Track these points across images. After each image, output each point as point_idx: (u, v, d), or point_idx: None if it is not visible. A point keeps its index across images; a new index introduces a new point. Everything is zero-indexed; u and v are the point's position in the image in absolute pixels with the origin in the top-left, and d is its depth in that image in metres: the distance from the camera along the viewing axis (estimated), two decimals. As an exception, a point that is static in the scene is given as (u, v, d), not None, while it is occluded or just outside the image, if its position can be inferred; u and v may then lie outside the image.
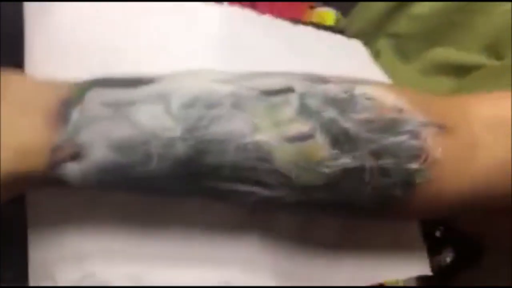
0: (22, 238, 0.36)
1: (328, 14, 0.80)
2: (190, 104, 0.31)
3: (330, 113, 0.32)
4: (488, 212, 0.41)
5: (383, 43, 0.58)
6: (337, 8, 0.80)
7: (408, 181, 0.33)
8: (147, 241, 0.37)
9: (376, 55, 0.57)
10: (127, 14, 0.42)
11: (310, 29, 0.49)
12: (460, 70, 0.51)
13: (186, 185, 0.32)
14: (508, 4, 0.49)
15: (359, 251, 0.41)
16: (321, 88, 0.33)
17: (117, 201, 0.37)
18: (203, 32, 0.43)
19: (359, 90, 0.34)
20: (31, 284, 0.36)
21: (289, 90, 0.33)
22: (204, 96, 0.32)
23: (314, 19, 0.78)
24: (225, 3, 0.45)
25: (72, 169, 0.30)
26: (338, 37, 0.51)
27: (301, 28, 0.49)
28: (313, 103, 0.32)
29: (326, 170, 0.32)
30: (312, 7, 0.80)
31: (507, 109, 0.36)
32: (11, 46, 0.38)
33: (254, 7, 0.75)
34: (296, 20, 0.50)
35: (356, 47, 0.51)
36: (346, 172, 0.32)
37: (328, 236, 0.40)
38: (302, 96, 0.32)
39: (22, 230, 0.36)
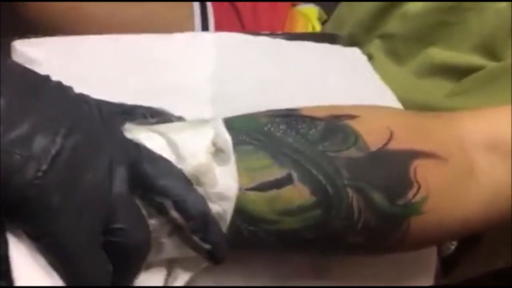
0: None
1: (311, 10, 0.79)
2: None
3: (309, 153, 0.32)
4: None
5: (375, 46, 0.57)
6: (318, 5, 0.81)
7: (400, 216, 0.33)
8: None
9: (369, 58, 0.54)
10: (122, 45, 0.42)
11: (307, 44, 0.48)
12: (456, 71, 0.50)
13: None
14: (502, 3, 0.48)
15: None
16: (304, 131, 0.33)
17: None
18: (199, 60, 0.43)
19: (344, 123, 0.33)
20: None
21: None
22: None
23: (299, 17, 0.78)
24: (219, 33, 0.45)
25: None
26: (336, 48, 0.50)
27: (297, 44, 0.48)
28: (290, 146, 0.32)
29: (308, 215, 0.31)
30: (294, 5, 0.80)
31: (504, 128, 0.36)
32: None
33: (236, 9, 0.75)
34: (293, 34, 0.50)
35: (354, 56, 0.50)
36: (333, 212, 0.31)
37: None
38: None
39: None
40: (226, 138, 0.31)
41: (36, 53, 0.39)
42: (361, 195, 0.31)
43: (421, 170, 0.33)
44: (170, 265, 0.32)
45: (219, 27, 0.70)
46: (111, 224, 0.27)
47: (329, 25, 0.67)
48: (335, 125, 0.33)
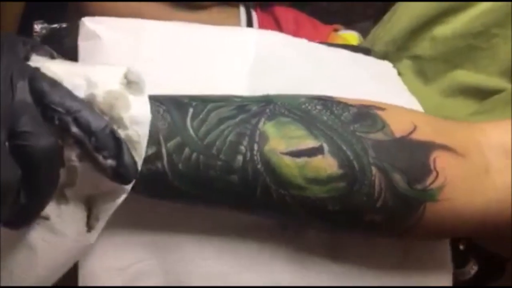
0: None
1: (352, 36, 0.83)
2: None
3: (341, 131, 0.34)
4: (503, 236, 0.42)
5: (405, 65, 0.59)
6: (358, 31, 0.84)
7: (417, 200, 0.34)
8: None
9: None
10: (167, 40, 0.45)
11: (343, 52, 0.51)
12: (480, 93, 0.53)
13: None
14: (529, 31, 0.50)
15: (386, 267, 0.42)
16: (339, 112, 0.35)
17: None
18: (239, 53, 0.46)
19: (374, 112, 0.36)
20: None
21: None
22: None
23: (339, 41, 0.82)
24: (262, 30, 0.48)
25: None
26: (370, 59, 0.53)
27: (334, 50, 0.51)
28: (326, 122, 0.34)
29: (333, 186, 0.33)
30: (336, 30, 0.84)
31: None
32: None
33: (280, 29, 0.80)
34: (330, 43, 0.53)
35: (386, 69, 0.53)
36: (356, 186, 0.33)
37: (354, 253, 0.41)
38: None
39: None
40: (138, 72, 0.32)
41: (100, 29, 0.42)
42: (383, 174, 0.34)
43: (440, 160, 0.35)
44: (89, 203, 0.32)
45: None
46: (16, 128, 0.27)
47: (364, 44, 0.70)
48: (365, 112, 0.36)
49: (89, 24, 0.43)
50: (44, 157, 0.27)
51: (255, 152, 0.33)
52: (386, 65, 0.54)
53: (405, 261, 0.42)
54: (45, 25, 0.46)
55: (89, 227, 0.32)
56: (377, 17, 0.73)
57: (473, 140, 0.38)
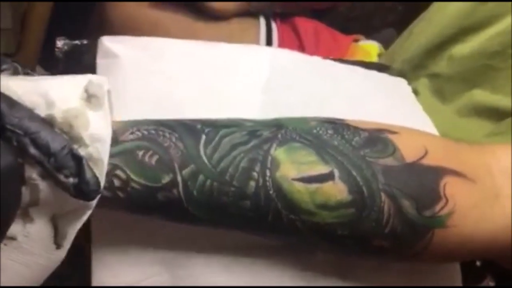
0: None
1: (372, 47, 0.83)
2: None
3: (351, 156, 0.34)
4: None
5: (422, 83, 0.59)
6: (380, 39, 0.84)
7: (425, 226, 0.34)
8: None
9: (414, 94, 0.57)
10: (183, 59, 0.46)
11: (356, 69, 0.52)
12: (496, 114, 0.53)
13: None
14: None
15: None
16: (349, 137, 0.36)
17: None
18: (254, 70, 0.47)
19: (385, 136, 0.36)
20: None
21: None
22: None
23: (359, 52, 0.82)
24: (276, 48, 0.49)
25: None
26: (383, 76, 0.53)
27: (348, 67, 0.52)
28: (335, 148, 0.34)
29: (343, 212, 0.34)
30: (356, 40, 0.84)
31: None
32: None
33: (300, 39, 0.80)
34: (344, 59, 0.54)
35: (400, 86, 0.54)
36: (365, 212, 0.34)
37: (362, 274, 0.41)
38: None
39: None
40: (101, 83, 0.32)
41: (119, 48, 0.44)
42: (392, 201, 0.34)
43: (450, 187, 0.35)
44: (55, 221, 0.32)
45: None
46: None
47: (382, 60, 0.71)
48: (376, 136, 0.36)
49: (108, 43, 0.45)
50: (3, 176, 0.28)
51: (267, 178, 0.34)
52: (401, 82, 0.55)
53: (413, 280, 0.42)
54: (67, 41, 0.47)
55: (57, 244, 0.32)
56: (398, 24, 0.73)
57: (484, 164, 0.37)
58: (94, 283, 0.38)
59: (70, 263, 0.34)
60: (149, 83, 0.44)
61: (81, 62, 0.45)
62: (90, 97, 0.31)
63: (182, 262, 0.39)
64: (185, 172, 0.33)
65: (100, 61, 0.44)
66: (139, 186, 0.33)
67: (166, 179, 0.33)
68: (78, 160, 0.30)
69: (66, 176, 0.29)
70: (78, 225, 0.32)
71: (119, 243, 0.39)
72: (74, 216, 0.32)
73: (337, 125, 0.36)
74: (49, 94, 0.30)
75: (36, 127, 0.29)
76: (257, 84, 0.46)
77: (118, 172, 0.33)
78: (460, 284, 0.43)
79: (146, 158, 0.33)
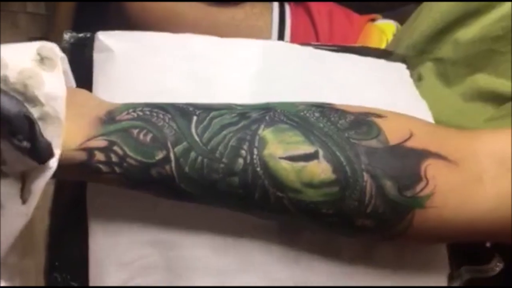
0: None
1: (389, 26, 0.82)
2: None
3: (336, 138, 0.36)
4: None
5: (427, 68, 0.59)
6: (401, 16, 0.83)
7: (405, 207, 0.35)
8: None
9: (419, 78, 0.58)
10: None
11: (350, 57, 0.52)
12: (499, 98, 0.52)
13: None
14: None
15: (380, 267, 0.43)
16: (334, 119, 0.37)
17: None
18: (245, 61, 0.48)
19: (371, 119, 0.37)
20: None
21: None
22: None
23: (374, 32, 0.81)
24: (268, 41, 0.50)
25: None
26: (379, 62, 0.54)
27: (341, 56, 0.52)
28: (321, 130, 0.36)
29: (327, 190, 0.35)
30: (373, 20, 0.83)
31: None
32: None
33: (313, 21, 0.80)
34: (344, 46, 0.54)
35: (397, 71, 0.54)
36: (348, 192, 0.35)
37: (349, 252, 0.43)
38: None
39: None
40: (52, 46, 0.33)
41: (113, 43, 0.46)
42: (375, 181, 0.35)
43: (432, 169, 0.36)
44: (23, 177, 0.33)
45: (294, 38, 0.77)
46: None
47: (390, 45, 0.70)
48: (362, 119, 0.37)
49: (102, 37, 0.47)
50: None
51: (254, 156, 0.35)
52: (399, 68, 0.55)
53: (400, 260, 0.43)
54: (73, 34, 0.49)
55: (23, 199, 0.33)
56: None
57: (470, 148, 0.38)
58: (90, 263, 0.41)
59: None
60: (142, 76, 0.46)
61: (84, 54, 0.47)
62: (43, 59, 0.32)
63: (172, 243, 0.42)
64: (178, 149, 0.35)
65: (96, 55, 0.46)
66: (135, 161, 0.36)
67: (159, 155, 0.35)
68: (31, 124, 0.31)
69: (20, 140, 0.30)
70: (42, 182, 0.33)
71: (112, 224, 0.41)
72: (38, 173, 0.33)
73: (325, 109, 0.38)
74: (3, 57, 0.31)
75: None
76: (249, 75, 0.47)
77: (116, 148, 0.35)
78: (447, 263, 0.44)
79: (141, 136, 0.36)
